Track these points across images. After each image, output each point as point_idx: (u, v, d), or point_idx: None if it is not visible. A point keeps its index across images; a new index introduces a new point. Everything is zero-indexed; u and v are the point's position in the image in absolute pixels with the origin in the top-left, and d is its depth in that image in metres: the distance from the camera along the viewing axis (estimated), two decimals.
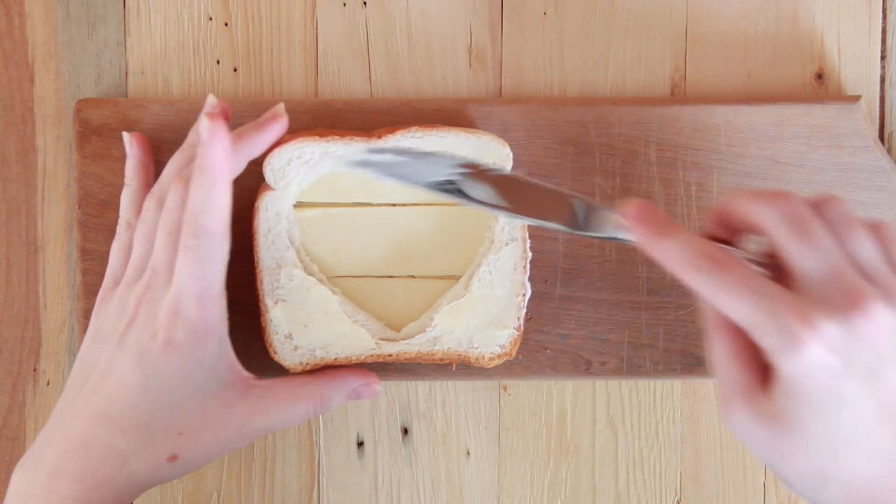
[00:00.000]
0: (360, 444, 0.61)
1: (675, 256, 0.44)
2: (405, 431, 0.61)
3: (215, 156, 0.49)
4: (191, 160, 0.53)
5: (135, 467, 0.48)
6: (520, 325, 0.54)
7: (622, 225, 0.46)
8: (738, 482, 0.61)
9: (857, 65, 0.60)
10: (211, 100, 0.52)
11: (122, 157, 0.57)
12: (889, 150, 0.60)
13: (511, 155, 0.54)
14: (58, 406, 0.51)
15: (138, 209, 0.54)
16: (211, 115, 0.49)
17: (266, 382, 0.52)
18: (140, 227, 0.52)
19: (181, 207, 0.50)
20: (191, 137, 0.54)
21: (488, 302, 0.54)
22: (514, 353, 0.55)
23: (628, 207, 0.46)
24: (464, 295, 0.54)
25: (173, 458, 0.49)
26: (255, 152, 0.53)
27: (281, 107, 0.54)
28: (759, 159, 0.58)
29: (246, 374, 0.52)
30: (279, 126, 0.53)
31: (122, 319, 0.50)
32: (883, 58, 0.60)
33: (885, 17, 0.60)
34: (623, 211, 0.46)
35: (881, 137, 0.60)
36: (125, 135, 0.56)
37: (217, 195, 0.49)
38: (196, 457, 0.50)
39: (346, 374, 0.54)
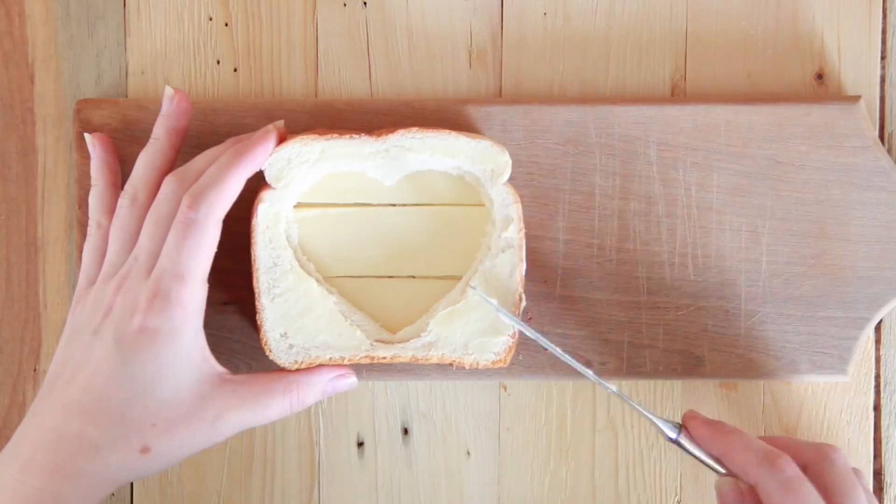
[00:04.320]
0: (360, 444, 0.61)
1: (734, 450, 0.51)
2: (405, 431, 0.61)
3: (257, 150, 0.52)
4: (160, 153, 0.54)
5: (107, 458, 0.49)
6: (514, 333, 0.54)
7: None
8: None
9: (857, 65, 0.60)
10: (168, 91, 0.54)
11: (124, 158, 0.57)
12: (889, 150, 0.60)
13: (510, 162, 0.54)
14: (34, 402, 0.51)
15: (107, 209, 0.54)
16: (276, 126, 0.53)
17: (241, 377, 0.52)
18: (115, 224, 0.53)
19: (171, 199, 0.51)
20: (156, 131, 0.54)
21: (484, 308, 0.54)
22: (507, 361, 0.54)
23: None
24: (460, 301, 0.54)
25: (146, 449, 0.49)
26: (254, 167, 0.53)
27: (279, 123, 0.54)
28: (759, 159, 0.58)
29: (221, 368, 0.52)
30: (271, 140, 0.53)
31: (98, 312, 0.51)
32: (883, 58, 0.60)
33: (885, 17, 0.60)
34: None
35: (881, 137, 0.60)
36: (87, 136, 0.56)
37: (234, 178, 0.51)
38: (169, 450, 0.50)
39: (321, 368, 0.54)
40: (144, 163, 0.54)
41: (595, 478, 0.61)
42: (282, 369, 0.54)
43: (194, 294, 0.50)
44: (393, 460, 0.61)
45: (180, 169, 0.52)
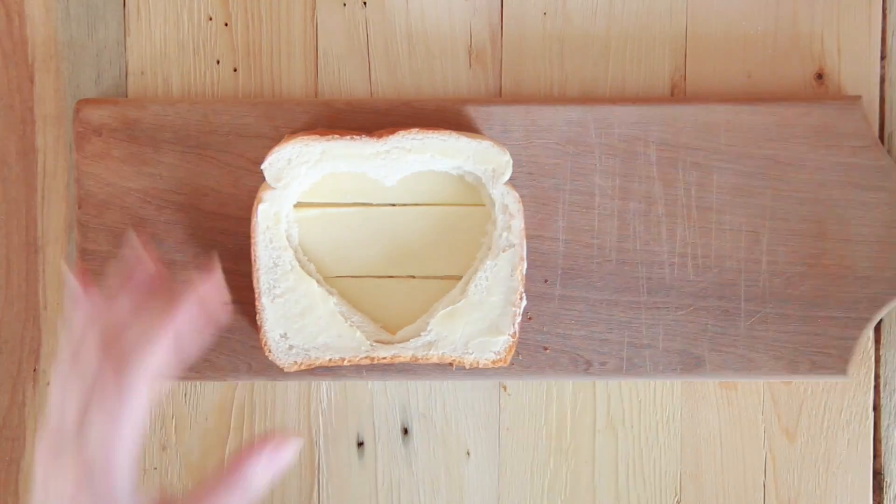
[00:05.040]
0: (360, 444, 0.61)
1: None
2: (405, 431, 0.61)
3: (183, 313, 0.45)
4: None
5: None
6: (515, 332, 0.54)
7: None
8: (738, 482, 0.61)
9: (857, 65, 0.60)
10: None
11: (123, 158, 0.57)
12: (889, 150, 0.60)
13: (511, 161, 0.54)
14: None
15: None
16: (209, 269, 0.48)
17: (179, 499, 0.46)
18: (54, 379, 0.46)
19: (98, 368, 0.45)
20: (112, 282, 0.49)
21: (485, 308, 0.54)
22: (507, 360, 0.55)
23: None
24: (460, 300, 0.54)
25: None
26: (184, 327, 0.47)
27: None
28: (759, 159, 0.58)
29: (154, 496, 0.46)
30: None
31: (39, 488, 0.45)
32: (883, 58, 0.60)
33: (885, 17, 0.60)
34: None
35: (881, 137, 0.60)
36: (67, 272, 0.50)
37: (165, 336, 0.45)
38: None
39: (257, 446, 0.46)
40: (83, 321, 0.47)
41: (595, 478, 0.61)
42: (281, 371, 0.54)
43: (123, 479, 0.44)
44: (393, 460, 0.61)
45: (107, 325, 0.46)
